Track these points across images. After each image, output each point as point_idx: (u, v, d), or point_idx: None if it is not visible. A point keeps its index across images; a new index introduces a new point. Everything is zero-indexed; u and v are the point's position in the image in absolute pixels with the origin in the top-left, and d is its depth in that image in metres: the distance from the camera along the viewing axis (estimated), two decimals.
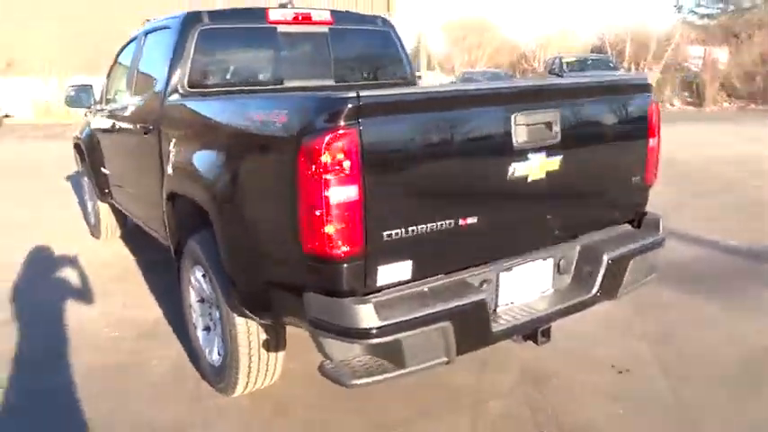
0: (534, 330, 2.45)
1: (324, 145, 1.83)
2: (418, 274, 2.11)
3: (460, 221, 2.13)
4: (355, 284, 1.97)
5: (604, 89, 2.65)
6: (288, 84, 3.69)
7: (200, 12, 3.41)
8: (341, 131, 1.84)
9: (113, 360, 3.31)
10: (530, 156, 2.25)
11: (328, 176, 1.85)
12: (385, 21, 4.16)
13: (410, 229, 2.01)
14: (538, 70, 27.02)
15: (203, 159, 2.67)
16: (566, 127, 2.36)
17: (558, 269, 2.58)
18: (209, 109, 2.89)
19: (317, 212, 1.89)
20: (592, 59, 20.46)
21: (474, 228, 2.18)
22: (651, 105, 2.74)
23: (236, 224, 2.38)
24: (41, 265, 4.91)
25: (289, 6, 3.78)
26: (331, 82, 3.87)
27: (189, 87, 3.30)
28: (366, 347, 2.05)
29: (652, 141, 2.78)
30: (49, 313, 3.92)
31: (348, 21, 4.01)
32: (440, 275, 2.19)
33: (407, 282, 2.09)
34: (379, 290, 2.04)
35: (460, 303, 2.08)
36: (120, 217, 5.30)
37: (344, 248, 1.91)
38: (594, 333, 3.49)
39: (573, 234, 2.64)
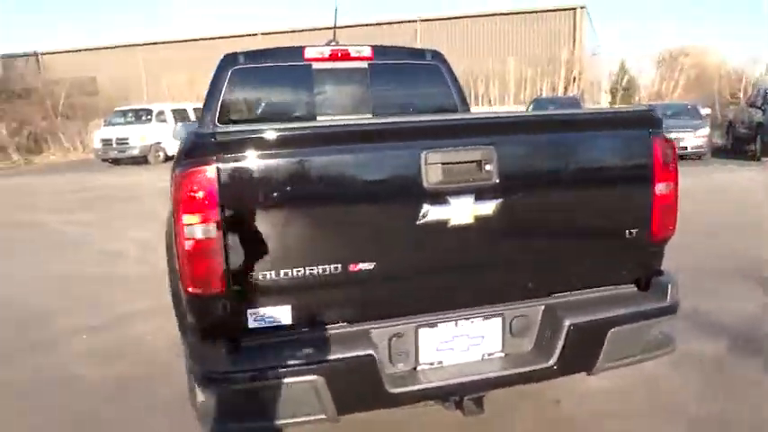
0: (460, 398, 2.14)
1: (180, 182, 1.83)
2: (305, 321, 1.98)
3: (350, 267, 1.95)
4: (222, 326, 1.91)
5: (567, 123, 2.23)
6: (320, 118, 3.75)
7: (237, 53, 3.64)
8: (197, 168, 1.81)
9: None
10: (449, 199, 1.99)
11: (186, 213, 1.83)
12: (435, 54, 4.03)
13: (283, 271, 1.89)
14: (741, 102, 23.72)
15: None
16: (508, 167, 2.05)
17: (511, 330, 2.22)
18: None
19: (181, 249, 1.87)
20: None
21: (374, 275, 1.98)
22: (656, 143, 2.25)
23: (168, 255, 2.44)
24: None
25: (333, 44, 3.87)
26: (368, 115, 3.84)
27: (219, 123, 3.52)
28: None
29: (661, 188, 2.27)
30: None
31: (391, 56, 3.97)
32: (336, 325, 2.03)
33: (289, 327, 1.97)
34: (255, 334, 1.95)
35: (336, 357, 1.90)
36: None
37: (205, 287, 1.87)
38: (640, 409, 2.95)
39: (540, 292, 2.26)
